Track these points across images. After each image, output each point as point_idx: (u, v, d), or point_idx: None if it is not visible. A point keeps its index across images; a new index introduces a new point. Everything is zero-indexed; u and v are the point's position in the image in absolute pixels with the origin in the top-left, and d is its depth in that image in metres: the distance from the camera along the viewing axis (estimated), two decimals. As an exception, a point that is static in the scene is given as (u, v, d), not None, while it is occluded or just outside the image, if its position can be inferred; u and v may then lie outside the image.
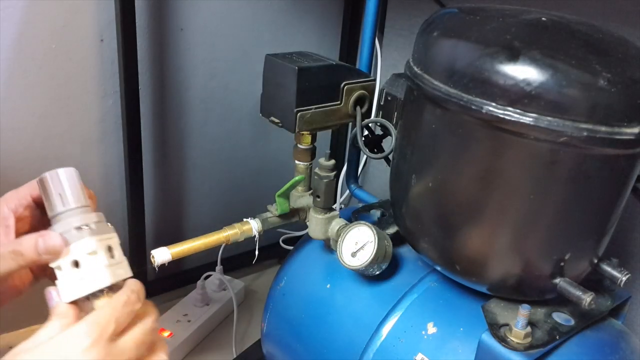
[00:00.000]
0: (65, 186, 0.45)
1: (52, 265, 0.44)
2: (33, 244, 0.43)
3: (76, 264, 0.43)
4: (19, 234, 0.48)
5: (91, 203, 0.47)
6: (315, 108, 0.63)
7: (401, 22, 1.10)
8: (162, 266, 0.52)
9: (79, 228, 0.44)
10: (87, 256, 0.43)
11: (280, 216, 0.67)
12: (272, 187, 0.68)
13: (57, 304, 0.43)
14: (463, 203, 0.52)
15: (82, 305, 0.44)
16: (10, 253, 0.44)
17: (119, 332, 0.42)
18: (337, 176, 0.66)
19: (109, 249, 0.44)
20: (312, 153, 0.68)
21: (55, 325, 0.42)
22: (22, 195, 0.50)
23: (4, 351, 0.43)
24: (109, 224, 0.46)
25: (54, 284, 0.44)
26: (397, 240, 0.65)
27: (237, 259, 1.16)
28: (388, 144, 0.69)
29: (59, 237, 0.43)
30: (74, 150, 0.94)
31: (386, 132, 0.72)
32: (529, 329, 0.50)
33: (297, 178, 0.66)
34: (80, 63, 0.90)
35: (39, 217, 0.50)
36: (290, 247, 1.06)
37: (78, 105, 0.92)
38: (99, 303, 0.43)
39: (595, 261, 0.55)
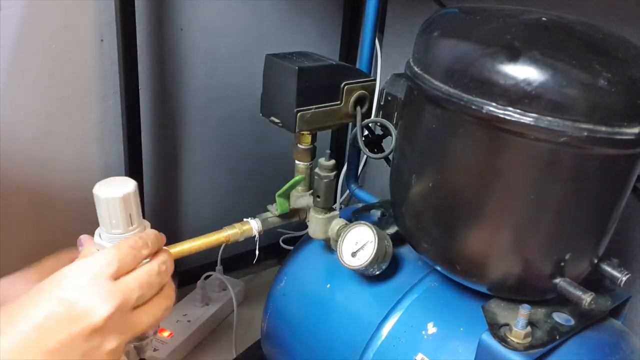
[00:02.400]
0: (131, 209, 0.46)
1: None
2: None
3: None
4: None
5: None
6: (316, 108, 0.63)
7: (401, 22, 1.10)
8: (162, 266, 0.52)
9: None
10: None
11: (280, 216, 0.67)
12: (272, 187, 0.68)
13: (86, 247, 0.45)
14: (463, 203, 0.52)
15: None
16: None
17: (123, 273, 0.42)
18: (337, 176, 0.66)
19: None
20: (312, 153, 0.68)
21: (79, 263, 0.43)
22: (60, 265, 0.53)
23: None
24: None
25: None
26: (397, 240, 0.65)
27: (237, 259, 1.16)
28: (388, 144, 0.69)
29: None
30: (74, 150, 0.94)
31: (386, 132, 0.72)
32: (529, 329, 0.50)
33: (297, 178, 0.66)
34: (80, 63, 0.90)
35: None
36: (290, 247, 1.06)
37: (78, 105, 0.92)
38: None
39: (596, 261, 0.55)
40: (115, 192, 0.44)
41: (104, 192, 0.44)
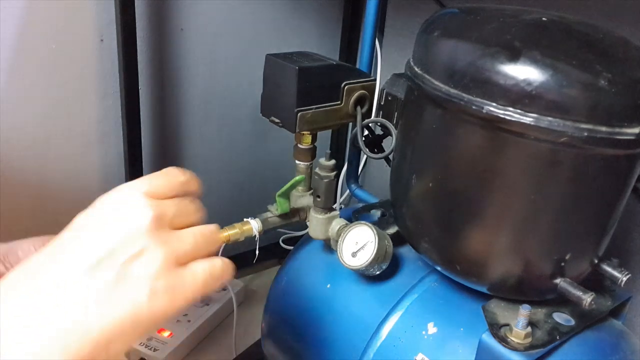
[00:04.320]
0: None
1: None
2: None
3: None
4: None
5: None
6: (316, 108, 0.63)
7: (401, 22, 1.10)
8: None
9: None
10: None
11: (280, 216, 0.67)
12: (272, 187, 0.68)
13: None
14: (463, 203, 0.52)
15: None
16: None
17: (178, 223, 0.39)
18: (337, 176, 0.66)
19: None
20: (312, 153, 0.68)
21: None
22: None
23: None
24: None
25: None
26: (398, 240, 0.65)
27: (237, 259, 1.16)
28: (388, 144, 0.69)
29: None
30: (74, 150, 0.94)
31: (386, 132, 0.72)
32: (529, 329, 0.50)
33: (297, 178, 0.66)
34: (80, 63, 0.90)
35: None
36: (290, 247, 1.06)
37: (78, 105, 0.92)
38: None
39: (596, 261, 0.55)
40: None
41: None
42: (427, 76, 0.52)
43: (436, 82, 0.51)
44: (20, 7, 0.81)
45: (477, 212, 0.51)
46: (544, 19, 0.49)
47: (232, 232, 0.62)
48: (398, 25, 1.11)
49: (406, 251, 0.67)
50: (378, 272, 0.62)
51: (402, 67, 0.60)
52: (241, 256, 1.15)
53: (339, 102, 0.66)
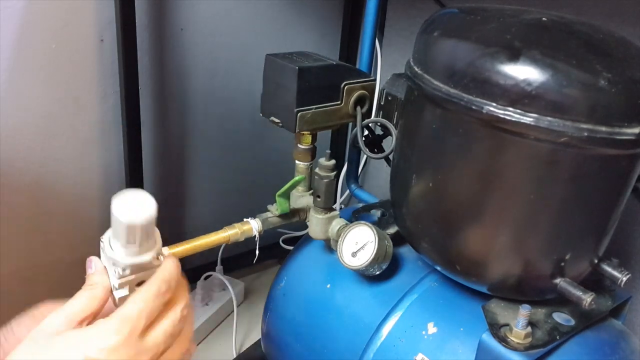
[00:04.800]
0: (151, 228, 0.44)
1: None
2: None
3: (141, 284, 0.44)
4: None
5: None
6: (316, 108, 0.63)
7: (401, 22, 1.10)
8: (163, 266, 0.52)
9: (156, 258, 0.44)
10: None
11: (280, 216, 0.67)
12: (272, 187, 0.68)
13: (93, 272, 0.43)
14: (463, 203, 0.52)
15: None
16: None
17: (149, 326, 0.41)
18: (337, 176, 0.66)
19: None
20: (312, 153, 0.68)
21: (84, 295, 0.42)
22: None
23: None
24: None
25: None
26: (398, 240, 0.65)
27: (237, 259, 1.16)
28: (388, 144, 0.69)
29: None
30: (74, 150, 0.94)
31: (386, 132, 0.72)
32: (529, 329, 0.50)
33: (297, 178, 0.66)
34: (80, 63, 0.90)
35: None
36: (290, 247, 1.06)
37: (78, 105, 0.92)
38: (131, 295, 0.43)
39: (596, 261, 0.55)
40: (137, 215, 0.41)
41: (125, 214, 0.41)
42: (427, 76, 0.52)
43: (436, 82, 0.51)
44: (20, 7, 0.81)
45: (477, 212, 0.51)
46: (544, 19, 0.49)
47: (232, 232, 0.62)
48: (398, 25, 1.11)
49: (406, 251, 0.67)
50: (378, 272, 0.62)
51: (402, 67, 0.60)
52: (241, 256, 1.16)
53: (339, 102, 0.66)
